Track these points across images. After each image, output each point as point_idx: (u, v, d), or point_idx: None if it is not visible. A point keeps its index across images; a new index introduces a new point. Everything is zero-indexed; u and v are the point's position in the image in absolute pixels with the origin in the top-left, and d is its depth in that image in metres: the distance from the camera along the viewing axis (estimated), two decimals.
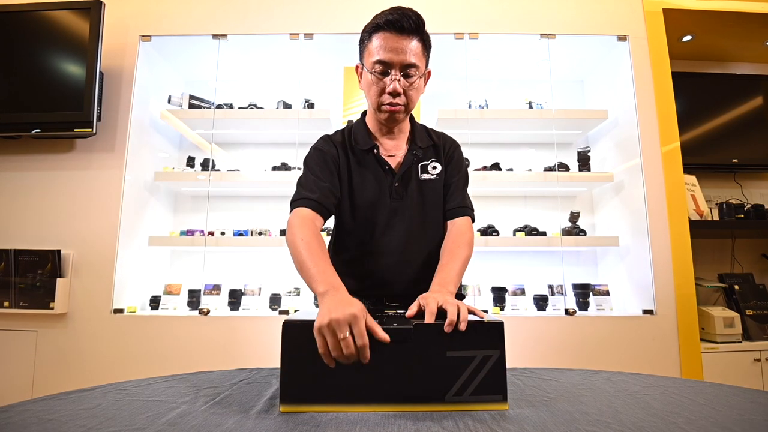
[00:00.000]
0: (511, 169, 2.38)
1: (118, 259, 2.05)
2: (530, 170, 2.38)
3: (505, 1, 2.27)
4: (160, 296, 2.21)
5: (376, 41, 0.98)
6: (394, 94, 0.98)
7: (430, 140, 1.13)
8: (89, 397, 0.66)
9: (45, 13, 2.11)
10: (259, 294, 2.24)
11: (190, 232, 2.25)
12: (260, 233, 2.24)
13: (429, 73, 1.07)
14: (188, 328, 1.98)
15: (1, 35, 2.11)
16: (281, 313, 2.11)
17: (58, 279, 1.98)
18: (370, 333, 0.64)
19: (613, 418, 0.57)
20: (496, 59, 2.50)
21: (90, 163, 2.12)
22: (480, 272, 2.36)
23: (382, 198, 1.06)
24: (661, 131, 2.15)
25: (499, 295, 2.20)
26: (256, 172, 2.34)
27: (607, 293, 2.25)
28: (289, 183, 2.27)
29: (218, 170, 2.34)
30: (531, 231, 2.28)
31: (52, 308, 1.96)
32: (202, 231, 2.23)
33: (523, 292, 2.27)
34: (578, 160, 2.40)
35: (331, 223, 1.16)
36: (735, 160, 2.52)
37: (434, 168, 1.09)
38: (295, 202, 1.02)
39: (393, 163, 1.08)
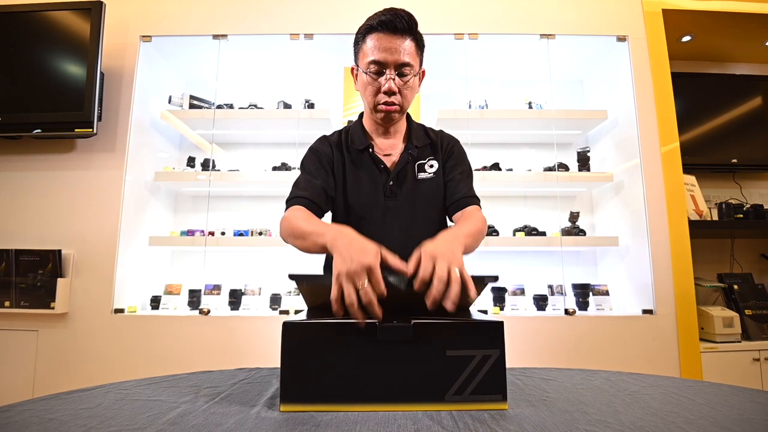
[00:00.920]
0: (510, 169, 2.38)
1: (118, 259, 2.05)
2: (530, 170, 2.38)
3: (505, 2, 2.27)
4: (160, 296, 2.21)
5: (370, 42, 0.99)
6: (390, 93, 0.99)
7: (428, 139, 1.13)
8: (90, 396, 0.65)
9: (46, 14, 2.11)
10: (260, 294, 2.24)
11: (190, 232, 2.25)
12: (260, 233, 2.23)
13: (423, 72, 1.07)
14: (189, 328, 1.98)
15: (2, 36, 2.11)
16: (281, 312, 2.11)
17: (58, 279, 1.98)
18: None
19: (613, 418, 0.57)
20: (495, 59, 2.49)
21: (90, 163, 2.12)
22: (480, 272, 2.36)
23: (377, 197, 1.06)
24: (661, 131, 2.15)
25: (499, 295, 2.20)
26: (257, 172, 2.34)
27: (606, 293, 2.24)
28: (289, 183, 2.24)
29: (218, 170, 2.34)
30: (531, 231, 2.28)
31: (53, 308, 1.96)
32: (203, 231, 2.23)
33: (522, 292, 2.27)
34: (578, 161, 2.40)
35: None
36: (734, 161, 2.52)
37: (431, 166, 1.09)
38: (289, 201, 1.03)
39: (388, 162, 1.08)
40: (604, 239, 2.31)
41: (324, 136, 1.14)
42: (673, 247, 2.06)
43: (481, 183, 2.26)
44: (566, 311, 2.09)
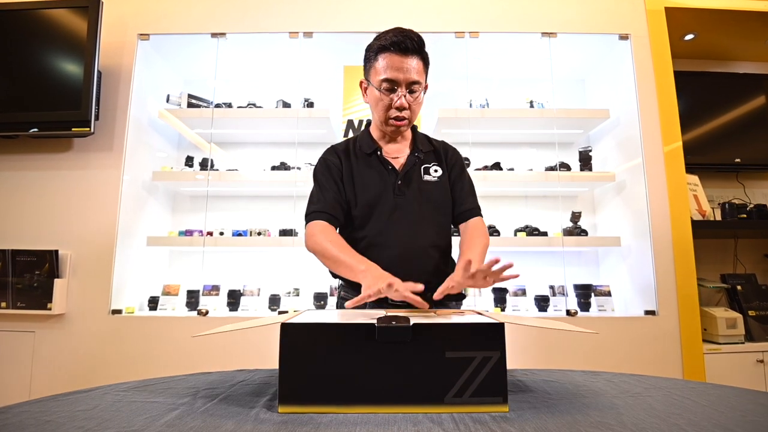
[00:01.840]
0: (512, 169, 2.37)
1: (116, 260, 2.04)
2: (531, 170, 2.37)
3: (506, 0, 2.26)
4: (158, 297, 2.20)
5: (383, 61, 1.09)
6: (401, 108, 1.10)
7: (431, 146, 1.24)
8: (87, 398, 0.65)
9: (43, 12, 2.10)
10: (258, 294, 2.23)
11: (188, 232, 2.24)
12: (259, 233, 2.22)
13: (426, 86, 1.18)
14: (187, 328, 1.97)
15: None
16: (280, 313, 2.10)
17: (55, 279, 1.97)
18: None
19: (615, 420, 0.57)
20: (496, 58, 2.48)
21: (88, 163, 2.11)
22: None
23: (386, 194, 1.14)
24: (663, 131, 2.14)
25: (500, 295, 2.20)
26: (255, 172, 2.33)
27: (608, 294, 2.23)
28: (288, 183, 2.26)
29: (217, 170, 2.33)
30: (532, 231, 2.27)
31: (50, 309, 1.95)
32: (201, 231, 2.22)
33: (524, 292, 2.26)
34: (579, 160, 2.39)
35: None
36: (738, 160, 2.51)
37: (435, 171, 1.19)
38: (308, 216, 1.13)
39: (396, 164, 1.17)
40: (606, 239, 2.30)
41: (332, 147, 1.23)
42: (675, 247, 2.04)
43: (482, 182, 2.25)
44: (568, 312, 2.08)
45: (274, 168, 2.34)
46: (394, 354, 0.61)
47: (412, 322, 0.62)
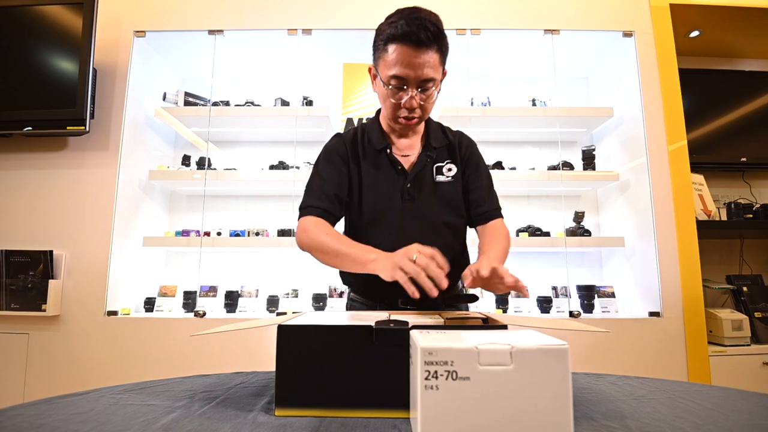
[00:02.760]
0: (514, 168, 2.34)
1: (111, 260, 2.01)
2: (533, 169, 2.35)
3: None
4: (154, 298, 2.17)
5: (393, 54, 0.95)
6: (411, 109, 0.99)
7: (446, 139, 1.12)
8: (82, 401, 0.64)
9: (37, 8, 2.08)
10: (257, 296, 2.21)
11: (185, 233, 2.21)
12: (257, 233, 2.20)
13: (445, 73, 1.05)
14: (184, 330, 1.95)
15: None
16: (279, 315, 2.07)
17: (50, 280, 1.95)
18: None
19: (619, 423, 0.56)
20: (498, 55, 2.46)
21: (83, 162, 2.09)
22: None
23: (394, 199, 1.05)
24: (668, 129, 2.11)
25: (502, 297, 2.17)
26: (253, 171, 2.30)
27: (612, 295, 2.21)
28: (287, 182, 2.23)
29: (214, 169, 2.31)
30: (534, 231, 2.24)
31: (44, 310, 1.93)
32: (198, 231, 2.20)
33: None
34: (583, 159, 2.37)
35: (341, 222, 1.16)
36: (744, 159, 2.49)
37: (449, 170, 1.08)
38: (303, 210, 1.04)
39: (406, 163, 1.07)
40: (609, 240, 2.28)
41: (338, 134, 1.13)
42: (680, 248, 2.02)
43: None
44: (571, 314, 2.06)
45: (272, 167, 2.32)
46: (392, 356, 0.59)
47: (410, 325, 0.60)
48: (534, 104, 2.38)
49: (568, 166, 2.30)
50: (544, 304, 2.15)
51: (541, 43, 2.29)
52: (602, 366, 1.92)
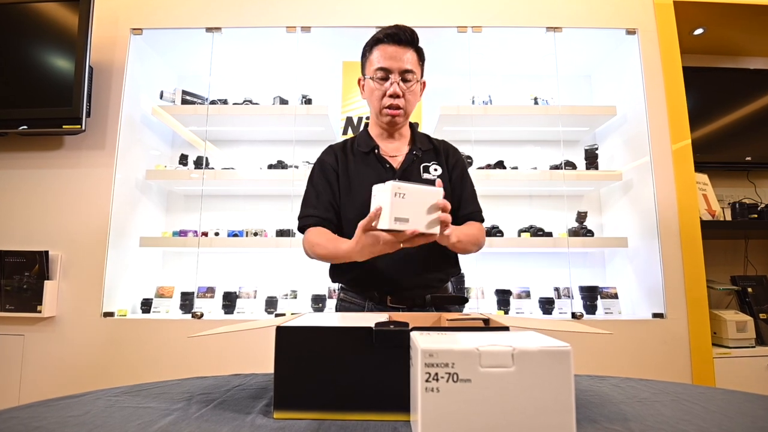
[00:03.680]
0: (515, 168, 2.32)
1: (108, 261, 1.99)
2: (536, 168, 2.32)
3: None
4: (151, 299, 2.16)
5: (377, 53, 1.13)
6: (394, 96, 1.11)
7: (430, 144, 1.24)
8: (78, 403, 0.64)
9: (32, 5, 2.05)
10: (255, 297, 2.19)
11: (182, 233, 2.19)
12: (256, 234, 2.18)
13: (424, 83, 1.20)
14: (181, 332, 1.93)
15: None
16: (277, 316, 2.05)
17: (45, 281, 1.93)
18: None
19: (622, 426, 0.55)
20: (500, 53, 2.44)
21: (79, 161, 2.07)
22: (484, 274, 2.30)
23: None
24: (672, 128, 2.10)
25: (504, 298, 2.15)
26: (252, 171, 2.28)
27: (615, 296, 2.20)
28: (286, 182, 2.21)
29: (212, 168, 2.29)
30: (536, 232, 2.22)
31: (40, 311, 1.91)
32: (196, 231, 2.18)
33: (528, 294, 2.22)
34: (585, 158, 2.35)
35: None
36: (748, 158, 2.46)
37: (435, 170, 1.18)
38: (302, 220, 1.15)
39: (394, 162, 1.16)
40: (612, 240, 2.26)
41: (330, 146, 1.24)
42: (684, 248, 2.01)
43: (484, 181, 2.21)
44: (573, 315, 2.05)
45: (271, 166, 2.29)
46: (392, 358, 0.58)
47: (410, 326, 0.59)
48: (536, 103, 2.36)
49: (570, 165, 2.28)
50: (546, 305, 2.14)
51: (543, 40, 2.27)
52: (605, 368, 1.90)
